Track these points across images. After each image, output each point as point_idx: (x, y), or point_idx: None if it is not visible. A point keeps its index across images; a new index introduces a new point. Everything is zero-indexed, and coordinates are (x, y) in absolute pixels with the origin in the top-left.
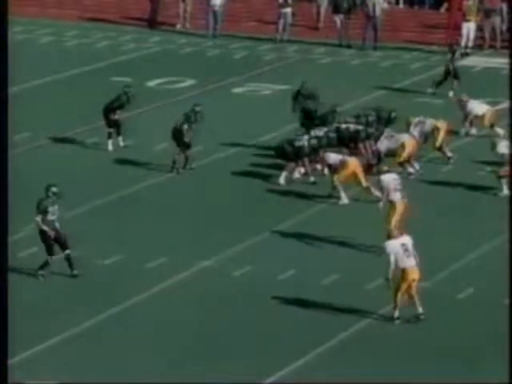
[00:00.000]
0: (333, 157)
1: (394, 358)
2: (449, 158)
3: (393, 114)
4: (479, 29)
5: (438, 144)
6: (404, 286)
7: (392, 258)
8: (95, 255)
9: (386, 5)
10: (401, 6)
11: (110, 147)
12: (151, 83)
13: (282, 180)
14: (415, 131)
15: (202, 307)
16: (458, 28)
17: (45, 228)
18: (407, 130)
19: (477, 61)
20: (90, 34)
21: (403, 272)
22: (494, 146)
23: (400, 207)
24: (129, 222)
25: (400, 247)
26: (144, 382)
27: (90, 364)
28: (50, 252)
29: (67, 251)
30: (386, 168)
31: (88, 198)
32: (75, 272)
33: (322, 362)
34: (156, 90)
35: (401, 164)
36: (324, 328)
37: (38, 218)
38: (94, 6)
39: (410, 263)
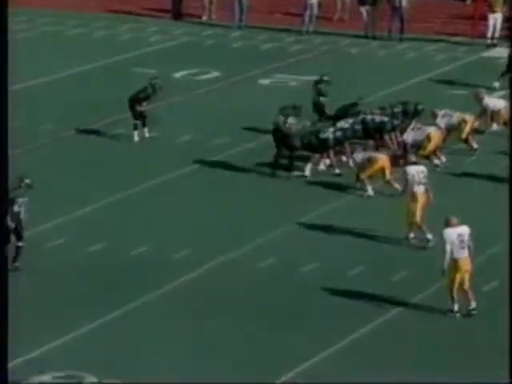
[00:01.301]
0: (360, 156)
1: (416, 350)
2: (475, 150)
3: (420, 107)
4: (506, 20)
5: (464, 135)
6: (458, 278)
7: (448, 247)
8: (121, 246)
9: None
10: None
11: (136, 138)
12: (177, 75)
13: (307, 172)
14: (442, 123)
15: (226, 299)
16: (484, 19)
17: (7, 220)
18: (433, 122)
19: (503, 52)
20: (116, 25)
21: (455, 262)
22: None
23: (421, 200)
24: (153, 214)
25: (456, 238)
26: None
27: (115, 356)
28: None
29: (20, 243)
30: (413, 159)
31: (113, 189)
32: (17, 264)
33: (346, 355)
34: (181, 82)
35: (426, 156)
36: (349, 320)
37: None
38: None
39: (464, 254)
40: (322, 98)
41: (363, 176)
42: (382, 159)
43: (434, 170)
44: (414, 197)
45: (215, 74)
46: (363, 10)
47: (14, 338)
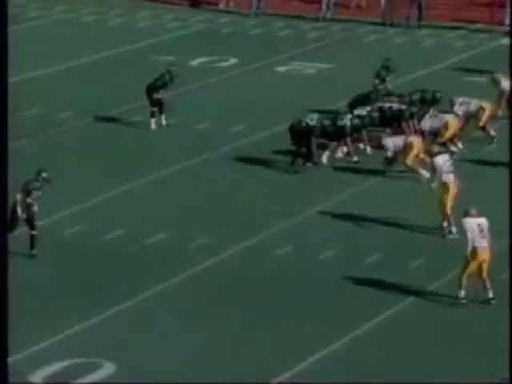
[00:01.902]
0: (392, 142)
1: (433, 339)
2: (492, 138)
3: (438, 94)
4: None
5: (481, 123)
6: (473, 266)
7: (469, 235)
8: (138, 235)
9: None
10: None
11: (153, 126)
12: (194, 62)
13: (324, 159)
14: (459, 111)
15: (244, 286)
16: (503, 6)
17: (18, 209)
18: (451, 109)
19: None
20: (133, 12)
21: (474, 251)
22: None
23: (453, 189)
24: (169, 201)
25: (476, 226)
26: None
27: (130, 345)
28: (10, 227)
29: (34, 232)
30: (437, 149)
31: (130, 176)
32: (34, 252)
33: (364, 342)
34: (199, 69)
35: (443, 144)
36: (367, 307)
37: (19, 196)
38: None
39: (483, 244)
40: (376, 81)
41: (409, 163)
42: (417, 142)
43: (451, 157)
44: (445, 187)
45: (232, 61)
46: None
47: (29, 325)
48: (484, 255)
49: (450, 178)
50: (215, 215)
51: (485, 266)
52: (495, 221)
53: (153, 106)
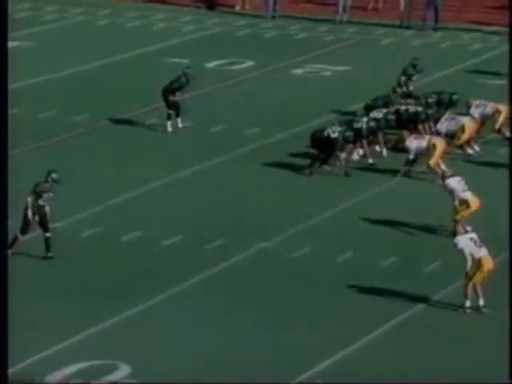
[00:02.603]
0: (416, 143)
1: (444, 344)
2: (508, 140)
3: (455, 97)
4: None
5: (497, 126)
6: (479, 277)
7: (467, 251)
8: (154, 236)
9: None
10: None
11: (169, 128)
12: (210, 64)
13: (341, 161)
14: (476, 113)
15: (259, 287)
16: None
17: (29, 213)
18: (467, 112)
19: None
20: (149, 15)
21: (479, 262)
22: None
23: (474, 205)
24: (186, 204)
25: (470, 240)
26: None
27: (146, 346)
28: (23, 231)
29: (48, 234)
30: (450, 173)
31: (146, 179)
32: (50, 254)
33: (378, 345)
34: (215, 72)
35: (460, 146)
36: (380, 310)
37: (30, 199)
38: None
39: (484, 252)
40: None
41: (432, 165)
42: (441, 144)
43: (467, 159)
44: (465, 203)
45: (248, 63)
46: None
47: (46, 326)
48: (488, 264)
49: (467, 195)
50: (231, 217)
51: (487, 276)
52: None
53: (169, 109)
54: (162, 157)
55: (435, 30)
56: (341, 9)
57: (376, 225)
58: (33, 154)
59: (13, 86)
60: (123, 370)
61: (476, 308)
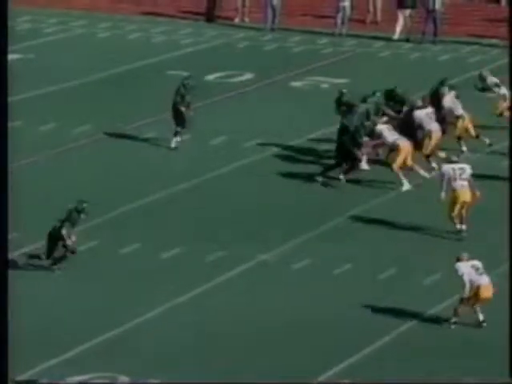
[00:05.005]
0: (389, 136)
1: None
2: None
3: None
4: None
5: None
6: (472, 301)
7: (466, 278)
8: (152, 249)
9: None
10: None
11: (173, 144)
12: (209, 77)
13: (341, 175)
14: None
15: (257, 300)
16: None
17: (69, 242)
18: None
19: None
20: (148, 28)
21: (477, 289)
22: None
23: (462, 196)
24: (185, 217)
25: (471, 268)
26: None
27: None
28: (49, 253)
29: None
30: (453, 158)
31: (143, 193)
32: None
33: (375, 359)
34: (214, 84)
35: (427, 156)
36: (377, 324)
37: (65, 230)
38: (153, 0)
39: (484, 281)
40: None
41: (395, 168)
42: (405, 147)
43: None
44: (453, 193)
45: (247, 76)
46: (401, 14)
47: (44, 339)
48: (487, 293)
49: (457, 185)
50: (232, 229)
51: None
52: None
53: (177, 126)
54: (160, 169)
55: (434, 42)
56: (339, 22)
57: (374, 235)
58: (31, 166)
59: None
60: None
61: (477, 324)
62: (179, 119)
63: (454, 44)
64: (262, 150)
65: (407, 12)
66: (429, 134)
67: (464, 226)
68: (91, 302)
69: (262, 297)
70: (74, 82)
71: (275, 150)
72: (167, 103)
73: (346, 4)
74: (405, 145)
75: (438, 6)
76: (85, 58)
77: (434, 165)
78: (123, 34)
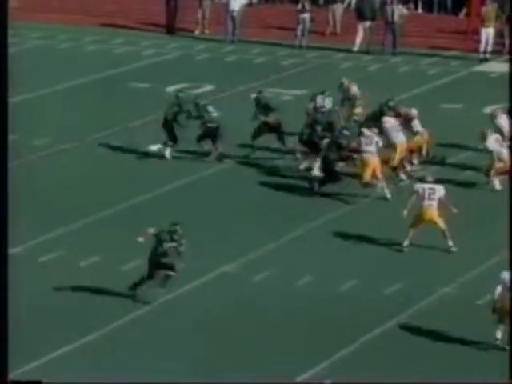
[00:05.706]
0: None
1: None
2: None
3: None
4: (498, 34)
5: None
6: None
7: (499, 289)
8: (115, 261)
9: (405, 10)
10: (420, 11)
11: (169, 157)
12: (170, 88)
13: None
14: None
15: (220, 312)
16: (477, 33)
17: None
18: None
19: (495, 66)
20: (110, 39)
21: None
22: (484, 138)
23: (428, 214)
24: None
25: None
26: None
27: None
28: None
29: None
30: (429, 178)
31: (109, 203)
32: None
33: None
34: (174, 96)
35: (394, 168)
36: (342, 332)
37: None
38: (113, 12)
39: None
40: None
41: (366, 178)
42: (373, 161)
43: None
44: (419, 210)
45: (208, 87)
46: (361, 26)
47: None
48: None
49: (426, 204)
50: (195, 239)
51: None
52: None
53: (170, 140)
54: (123, 180)
55: (394, 54)
56: (299, 33)
57: (337, 246)
58: None
59: None
60: None
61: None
62: (171, 134)
63: (413, 56)
64: (223, 161)
65: (367, 24)
66: (394, 147)
67: (450, 242)
68: None
69: None
70: (35, 93)
71: (239, 160)
72: (131, 114)
73: (306, 16)
74: (371, 159)
75: (396, 18)
76: (44, 69)
77: (402, 176)
78: (82, 46)
